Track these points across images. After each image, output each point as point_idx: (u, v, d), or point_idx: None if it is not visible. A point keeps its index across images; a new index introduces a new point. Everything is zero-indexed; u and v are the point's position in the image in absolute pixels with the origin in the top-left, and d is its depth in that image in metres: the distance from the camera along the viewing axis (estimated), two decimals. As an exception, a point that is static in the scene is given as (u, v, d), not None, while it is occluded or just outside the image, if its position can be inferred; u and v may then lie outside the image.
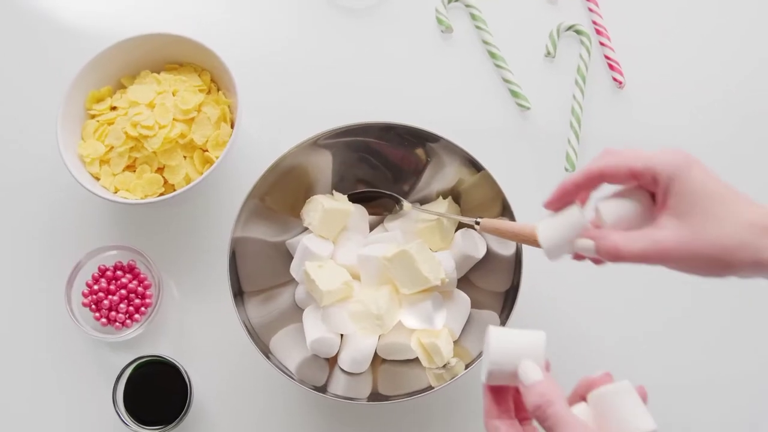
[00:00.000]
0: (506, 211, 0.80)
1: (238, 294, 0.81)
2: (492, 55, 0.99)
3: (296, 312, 0.87)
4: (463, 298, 0.84)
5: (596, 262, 0.62)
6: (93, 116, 0.92)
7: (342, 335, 0.84)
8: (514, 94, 0.98)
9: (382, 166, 0.89)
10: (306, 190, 0.88)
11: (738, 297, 0.90)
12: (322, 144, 0.85)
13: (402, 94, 0.99)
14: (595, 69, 0.99)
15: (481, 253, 0.84)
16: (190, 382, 0.83)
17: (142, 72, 0.94)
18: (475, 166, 0.82)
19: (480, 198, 0.84)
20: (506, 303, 0.80)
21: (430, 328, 0.80)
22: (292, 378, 0.78)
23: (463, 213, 0.87)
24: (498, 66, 0.99)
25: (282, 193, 0.86)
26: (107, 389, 0.86)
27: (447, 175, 0.87)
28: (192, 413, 0.85)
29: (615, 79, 0.98)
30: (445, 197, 0.87)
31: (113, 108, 0.92)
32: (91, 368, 0.90)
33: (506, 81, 0.98)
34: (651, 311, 0.91)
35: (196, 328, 0.91)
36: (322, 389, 0.80)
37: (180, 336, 0.91)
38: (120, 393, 0.84)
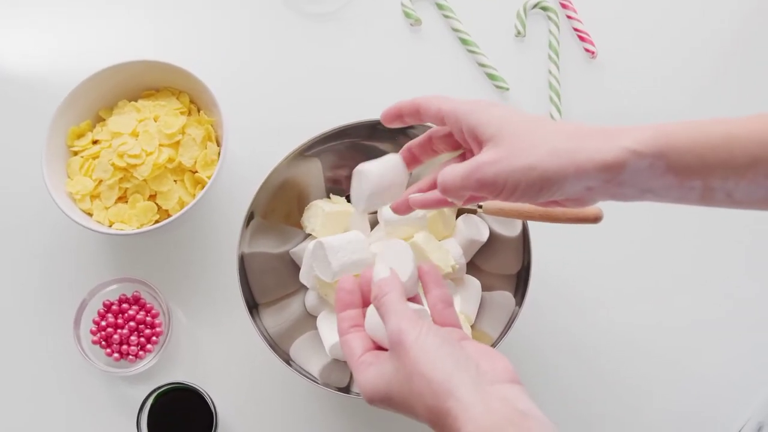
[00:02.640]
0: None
1: (253, 307, 0.81)
2: (464, 41, 1.00)
3: (308, 320, 0.87)
4: (473, 283, 0.84)
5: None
6: (76, 153, 0.91)
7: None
8: (491, 77, 0.98)
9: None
10: (300, 199, 0.88)
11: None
12: (310, 152, 0.85)
13: (381, 92, 0.99)
14: (566, 43, 1.00)
15: (484, 236, 0.85)
16: (213, 404, 0.83)
17: (120, 102, 0.93)
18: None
19: (476, 182, 0.84)
20: (519, 284, 0.81)
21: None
22: (316, 382, 0.78)
23: None
24: (471, 51, 1.00)
25: (278, 206, 0.85)
26: (130, 423, 0.85)
27: (438, 163, 0.87)
28: (219, 435, 0.85)
29: (587, 50, 0.99)
30: (440, 186, 0.87)
31: (95, 142, 0.91)
32: (111, 405, 0.89)
33: (482, 65, 0.99)
34: (665, 284, 0.93)
35: (209, 349, 0.91)
36: (346, 390, 0.80)
37: (194, 360, 0.90)
38: (144, 425, 0.83)
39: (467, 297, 0.83)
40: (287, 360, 0.79)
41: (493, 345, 0.78)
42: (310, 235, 0.88)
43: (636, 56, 1.00)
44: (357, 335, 0.61)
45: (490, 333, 0.81)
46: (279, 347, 0.80)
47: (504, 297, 0.82)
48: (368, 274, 0.63)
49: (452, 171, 0.57)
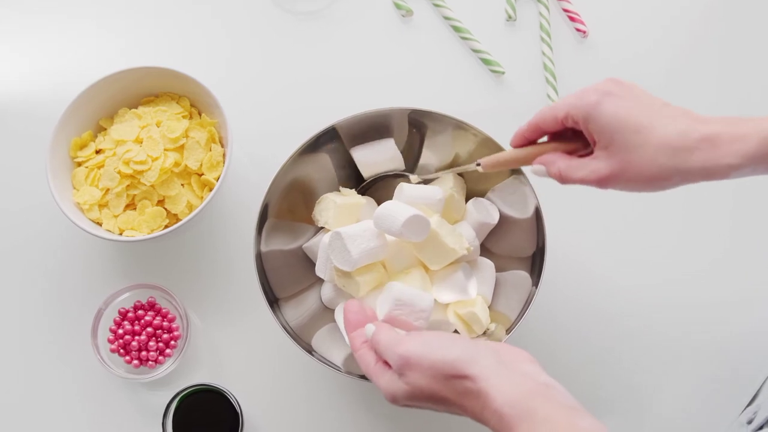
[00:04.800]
0: (516, 170, 0.82)
1: (274, 302, 0.82)
2: (456, 29, 1.01)
3: (325, 313, 0.87)
4: (487, 264, 0.85)
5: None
6: (80, 164, 0.91)
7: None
8: (486, 62, 1.00)
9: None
10: (307, 195, 0.88)
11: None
12: (315, 147, 0.85)
13: (377, 86, 1.00)
14: (556, 24, 1.01)
15: (495, 218, 0.86)
16: (238, 403, 0.83)
17: (120, 110, 0.93)
18: (471, 133, 0.84)
19: (483, 165, 0.85)
20: (534, 265, 0.82)
21: (465, 299, 0.82)
22: (339, 370, 0.79)
23: (468, 184, 0.88)
24: (464, 38, 1.01)
25: (288, 203, 0.86)
26: (155, 428, 0.85)
27: (443, 150, 0.88)
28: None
29: (578, 30, 1.01)
30: (448, 172, 0.88)
31: (98, 151, 0.91)
32: (134, 411, 0.89)
33: (475, 51, 1.00)
34: (683, 261, 0.94)
35: (227, 349, 0.91)
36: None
37: (214, 361, 0.91)
38: (169, 429, 0.83)
39: (483, 279, 0.84)
40: (310, 351, 0.80)
41: (512, 326, 0.79)
42: (321, 229, 0.88)
43: (627, 32, 1.01)
44: (366, 347, 0.65)
45: (507, 314, 0.82)
46: (302, 340, 0.81)
47: (518, 277, 0.83)
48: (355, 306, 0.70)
49: (573, 171, 0.65)
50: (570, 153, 0.67)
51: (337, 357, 0.83)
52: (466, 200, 0.88)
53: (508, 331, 0.79)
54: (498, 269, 0.86)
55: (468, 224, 0.85)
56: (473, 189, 0.88)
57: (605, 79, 0.65)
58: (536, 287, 0.79)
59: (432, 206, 0.82)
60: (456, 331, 0.84)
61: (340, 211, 0.84)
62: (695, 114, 0.62)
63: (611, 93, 0.63)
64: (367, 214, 0.87)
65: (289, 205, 0.86)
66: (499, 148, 0.82)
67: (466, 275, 0.82)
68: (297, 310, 0.85)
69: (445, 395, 0.58)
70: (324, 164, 0.88)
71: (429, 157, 0.89)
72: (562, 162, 0.66)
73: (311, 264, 0.88)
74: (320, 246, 0.84)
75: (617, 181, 0.63)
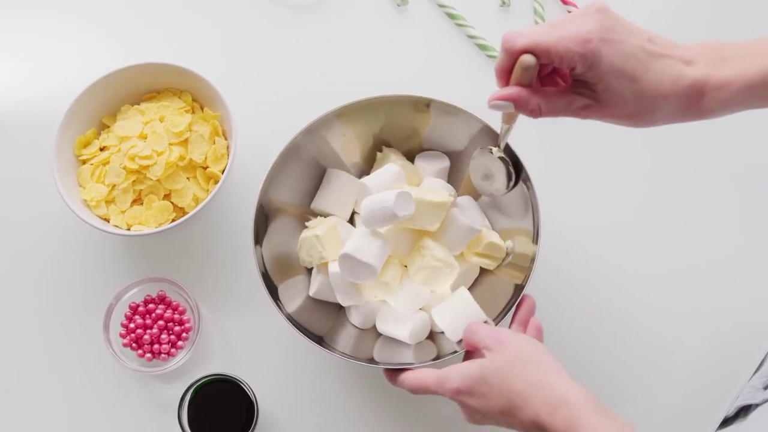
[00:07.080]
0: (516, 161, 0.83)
1: (278, 298, 0.83)
2: (451, 16, 1.02)
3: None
4: (467, 201, 0.88)
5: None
6: (84, 161, 0.92)
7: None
8: (482, 47, 1.01)
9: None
10: (305, 184, 0.89)
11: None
12: (311, 135, 0.86)
13: (375, 76, 1.00)
14: (550, 8, 1.03)
15: (446, 161, 0.90)
16: (252, 391, 0.84)
17: (122, 107, 0.94)
18: (464, 118, 0.85)
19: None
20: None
21: (475, 236, 0.83)
22: (347, 357, 0.80)
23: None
24: (459, 25, 1.02)
25: (289, 196, 0.87)
26: (171, 420, 0.86)
27: (440, 136, 0.89)
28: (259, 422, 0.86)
29: (571, 12, 1.02)
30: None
31: (102, 149, 0.92)
32: (149, 404, 0.90)
33: (471, 37, 1.01)
34: (685, 231, 0.95)
35: (237, 340, 0.92)
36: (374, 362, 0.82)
37: (225, 351, 0.92)
38: (185, 420, 0.84)
39: (472, 214, 0.87)
40: (319, 341, 0.81)
41: (509, 306, 0.81)
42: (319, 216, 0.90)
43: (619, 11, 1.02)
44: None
45: (511, 227, 0.85)
46: (309, 331, 0.82)
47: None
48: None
49: (559, 110, 0.65)
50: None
51: (345, 345, 0.84)
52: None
53: (534, 240, 0.80)
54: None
55: (430, 177, 0.88)
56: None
57: (595, 10, 0.63)
58: (531, 263, 0.80)
59: (397, 182, 0.84)
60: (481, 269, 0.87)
61: (326, 241, 0.84)
62: (679, 49, 0.63)
63: (608, 39, 0.61)
64: (345, 229, 0.88)
65: (289, 197, 0.87)
66: (493, 133, 0.83)
67: (465, 216, 0.84)
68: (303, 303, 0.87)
69: (513, 382, 0.67)
70: (322, 153, 0.89)
71: (427, 143, 0.90)
72: (538, 98, 0.65)
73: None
74: (332, 279, 0.84)
75: (598, 117, 0.65)
